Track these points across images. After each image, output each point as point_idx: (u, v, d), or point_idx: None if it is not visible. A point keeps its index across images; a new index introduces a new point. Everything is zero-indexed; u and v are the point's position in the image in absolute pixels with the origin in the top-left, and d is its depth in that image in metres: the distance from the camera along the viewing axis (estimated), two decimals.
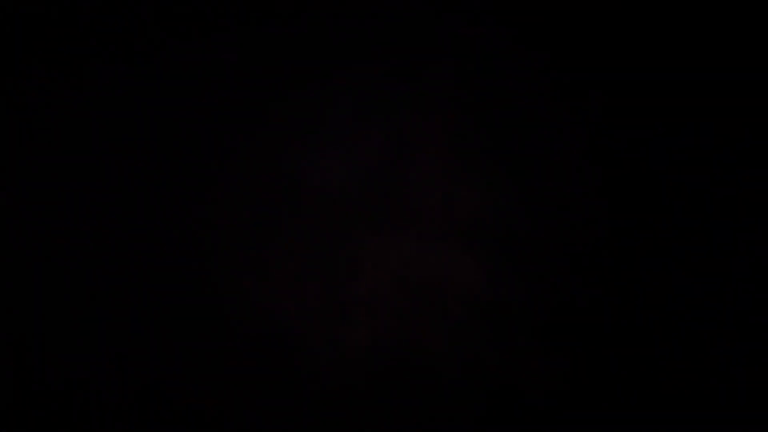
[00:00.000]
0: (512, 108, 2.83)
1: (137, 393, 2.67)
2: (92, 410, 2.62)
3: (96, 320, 2.67)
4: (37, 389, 2.63)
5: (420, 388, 2.70)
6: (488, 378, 2.71)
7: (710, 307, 2.64)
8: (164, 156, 2.74)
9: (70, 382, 2.63)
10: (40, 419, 2.60)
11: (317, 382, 2.70)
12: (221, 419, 2.70)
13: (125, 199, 2.73)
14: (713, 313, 2.63)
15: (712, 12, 2.72)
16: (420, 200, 2.80)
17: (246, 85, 2.82)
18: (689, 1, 2.73)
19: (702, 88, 2.71)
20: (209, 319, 2.72)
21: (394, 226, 2.80)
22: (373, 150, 2.83)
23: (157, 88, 2.76)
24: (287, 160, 2.82)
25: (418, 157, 2.82)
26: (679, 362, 2.61)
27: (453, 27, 2.81)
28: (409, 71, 2.85)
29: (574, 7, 2.74)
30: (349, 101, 2.84)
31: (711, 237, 2.66)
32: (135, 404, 2.65)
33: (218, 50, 2.78)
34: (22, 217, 2.66)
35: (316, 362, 2.72)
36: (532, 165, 2.81)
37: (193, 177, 2.77)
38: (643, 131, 2.73)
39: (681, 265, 2.66)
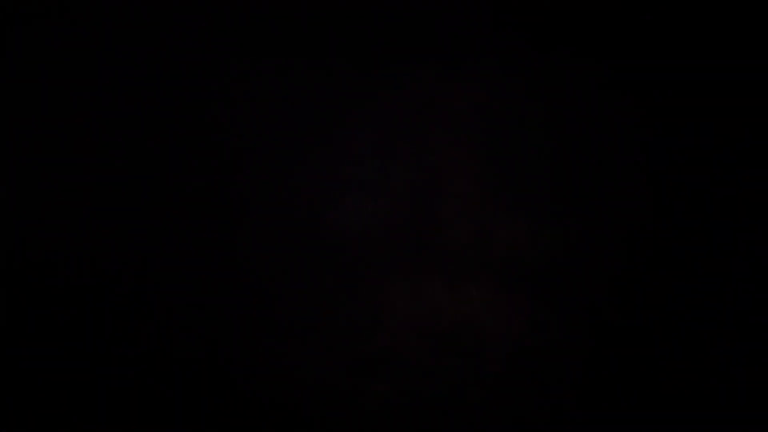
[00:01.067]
0: (547, 136, 2.64)
1: None
2: None
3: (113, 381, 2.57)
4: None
5: None
6: None
7: (710, 307, 2.64)
8: (177, 198, 2.68)
9: None
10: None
11: None
12: None
13: (147, 245, 2.65)
14: (713, 313, 2.63)
15: (713, 11, 2.72)
16: (449, 237, 2.56)
17: (261, 120, 2.61)
18: (691, 1, 2.73)
19: (701, 88, 2.71)
20: (223, 376, 2.53)
21: (421, 269, 2.55)
22: (399, 186, 2.59)
23: (173, 129, 2.68)
24: (304, 198, 2.60)
25: (446, 190, 2.58)
26: (679, 362, 2.61)
27: (480, 55, 2.64)
28: (435, 100, 2.63)
29: (599, 29, 2.68)
30: (371, 133, 2.61)
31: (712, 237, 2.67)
32: None
33: (233, 88, 2.69)
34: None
35: (334, 423, 2.50)
36: (571, 195, 2.61)
37: (203, 222, 2.60)
38: (693, 159, 2.63)
39: (686, 268, 2.65)
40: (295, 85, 2.66)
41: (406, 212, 2.60)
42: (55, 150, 2.67)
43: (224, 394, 2.55)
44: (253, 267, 2.60)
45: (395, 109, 2.64)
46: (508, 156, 2.65)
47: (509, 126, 2.66)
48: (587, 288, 2.60)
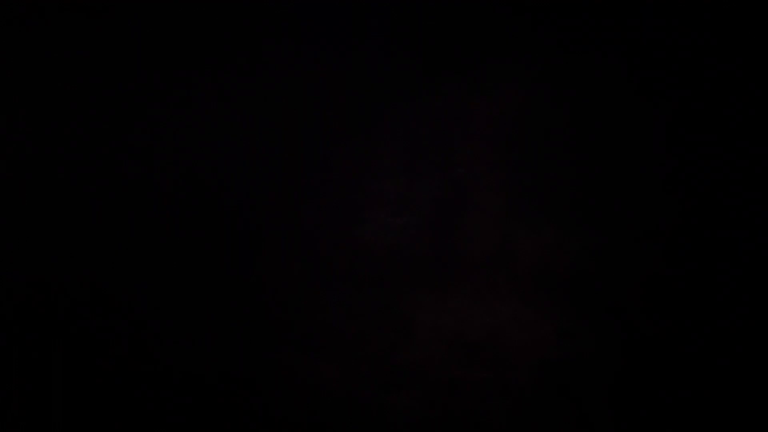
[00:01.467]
0: (570, 145, 2.63)
1: None
2: None
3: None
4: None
5: None
6: None
7: (741, 312, 2.66)
8: (204, 213, 2.63)
9: None
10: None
11: None
12: None
13: (181, 258, 2.63)
14: (744, 319, 2.65)
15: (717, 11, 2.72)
16: (475, 249, 2.54)
17: (287, 135, 2.55)
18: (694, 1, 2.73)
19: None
20: (250, 390, 2.51)
21: (447, 281, 2.53)
22: (424, 199, 2.57)
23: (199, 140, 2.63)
24: (330, 214, 2.56)
25: (474, 202, 2.57)
26: (709, 370, 2.63)
27: (503, 64, 2.67)
28: (458, 112, 2.60)
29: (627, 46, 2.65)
30: (396, 148, 2.58)
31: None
32: None
33: (257, 102, 2.64)
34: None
35: None
36: (596, 204, 2.61)
37: (228, 238, 2.57)
38: (721, 166, 2.62)
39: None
40: (320, 101, 2.63)
41: (431, 225, 2.58)
42: (62, 152, 2.62)
43: (251, 408, 2.53)
44: (280, 282, 2.58)
45: (419, 123, 2.62)
46: (531, 166, 2.64)
47: (532, 136, 2.65)
48: (614, 297, 2.61)
